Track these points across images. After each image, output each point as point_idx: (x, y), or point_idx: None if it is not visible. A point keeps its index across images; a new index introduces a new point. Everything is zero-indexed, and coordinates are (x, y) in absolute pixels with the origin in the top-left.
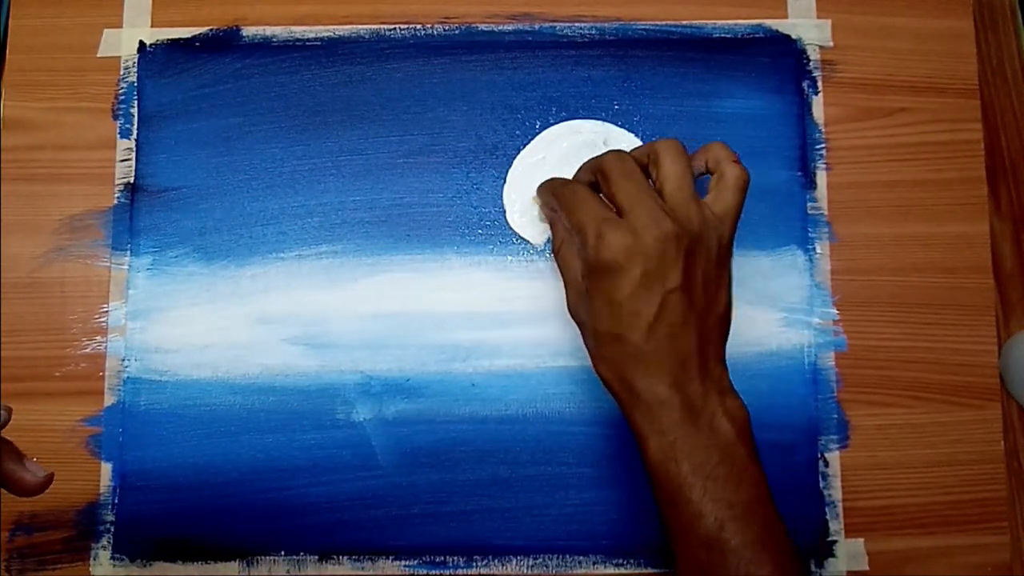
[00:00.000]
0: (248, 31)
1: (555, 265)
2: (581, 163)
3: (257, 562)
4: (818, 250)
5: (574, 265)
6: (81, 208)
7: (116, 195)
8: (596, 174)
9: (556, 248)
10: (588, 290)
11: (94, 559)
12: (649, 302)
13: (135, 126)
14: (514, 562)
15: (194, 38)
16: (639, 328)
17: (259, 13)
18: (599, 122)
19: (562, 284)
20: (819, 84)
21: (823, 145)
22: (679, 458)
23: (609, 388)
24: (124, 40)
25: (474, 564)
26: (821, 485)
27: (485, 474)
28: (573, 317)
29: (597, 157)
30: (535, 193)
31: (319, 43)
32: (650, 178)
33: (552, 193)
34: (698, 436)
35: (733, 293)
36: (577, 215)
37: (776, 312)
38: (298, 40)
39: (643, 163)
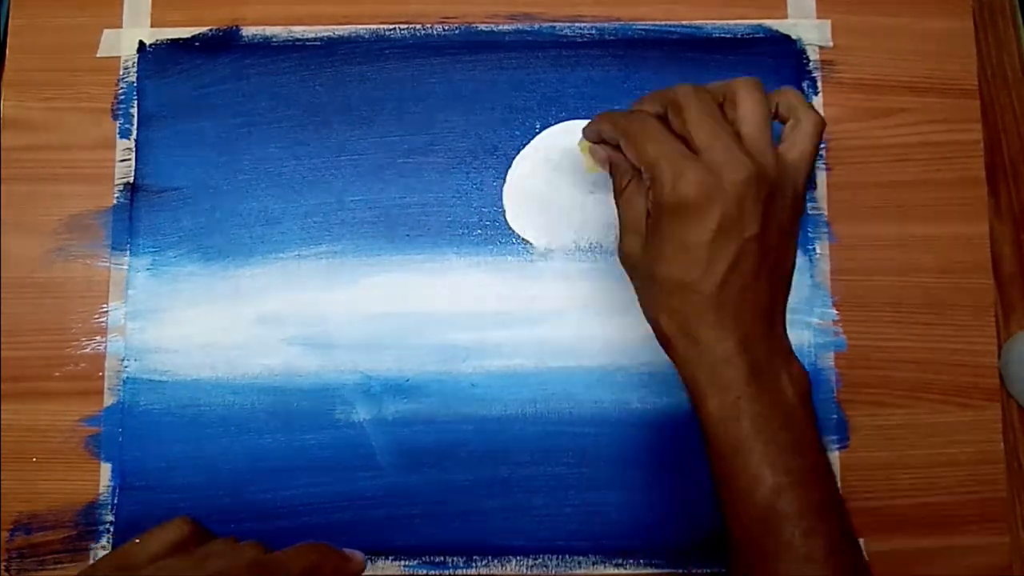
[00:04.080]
0: (248, 31)
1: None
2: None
3: None
4: (818, 250)
5: (638, 206)
6: (81, 208)
7: (116, 195)
8: (666, 106)
9: (620, 188)
10: (657, 234)
11: (94, 559)
12: (726, 249)
13: (135, 126)
14: (514, 562)
15: (194, 38)
16: (713, 277)
17: (259, 13)
18: None
19: (559, 281)
20: (819, 84)
21: (823, 145)
22: (741, 417)
23: (666, 342)
24: (124, 40)
25: (474, 564)
26: None
27: (485, 474)
28: (625, 263)
29: (667, 88)
30: (581, 134)
31: (319, 43)
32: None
33: (615, 126)
34: (761, 397)
35: None
36: (651, 149)
37: None
38: (298, 40)
39: (718, 101)
